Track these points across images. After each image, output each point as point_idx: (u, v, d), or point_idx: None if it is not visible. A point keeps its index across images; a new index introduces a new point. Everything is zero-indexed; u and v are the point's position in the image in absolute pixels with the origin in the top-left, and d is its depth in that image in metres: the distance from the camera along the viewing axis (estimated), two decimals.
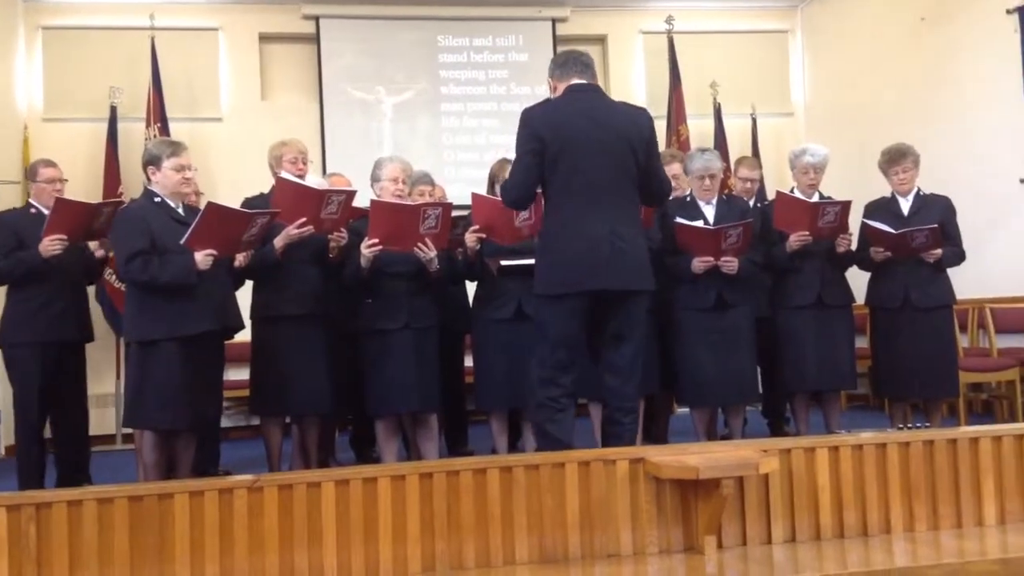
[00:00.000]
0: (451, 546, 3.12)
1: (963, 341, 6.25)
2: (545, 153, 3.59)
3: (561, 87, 3.74)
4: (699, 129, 7.76)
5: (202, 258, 3.90)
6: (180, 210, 4.14)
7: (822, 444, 3.42)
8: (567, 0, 7.93)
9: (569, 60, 3.75)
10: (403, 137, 7.72)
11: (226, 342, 4.50)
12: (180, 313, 3.96)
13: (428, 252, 4.27)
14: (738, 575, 3.02)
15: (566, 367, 3.61)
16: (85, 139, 7.05)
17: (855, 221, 4.93)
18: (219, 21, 7.52)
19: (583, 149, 3.57)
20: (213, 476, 4.63)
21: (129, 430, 5.34)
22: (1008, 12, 6.48)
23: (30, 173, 4.86)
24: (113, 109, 7.03)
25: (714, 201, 4.78)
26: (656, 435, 5.13)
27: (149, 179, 4.16)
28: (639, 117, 3.74)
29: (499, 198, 4.39)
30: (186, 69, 7.37)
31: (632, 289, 3.61)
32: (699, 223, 4.62)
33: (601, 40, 8.15)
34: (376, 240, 4.20)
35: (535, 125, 3.62)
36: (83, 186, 6.45)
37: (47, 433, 4.74)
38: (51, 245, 4.37)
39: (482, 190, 4.66)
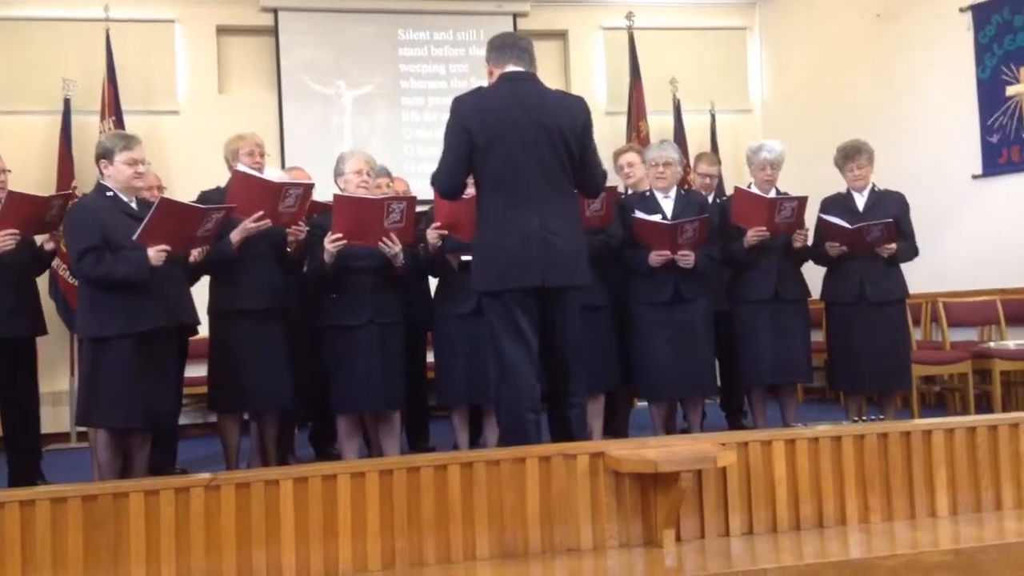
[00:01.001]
0: (411, 543, 3.11)
1: (916, 335, 6.36)
2: (474, 144, 3.52)
3: (496, 73, 3.65)
4: (659, 125, 7.79)
5: (155, 254, 3.84)
6: (133, 204, 4.07)
7: (779, 437, 3.46)
8: None
9: (505, 45, 3.65)
10: (363, 131, 7.66)
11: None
12: (133, 309, 3.90)
13: (393, 247, 4.25)
14: (696, 568, 3.03)
15: (529, 366, 3.55)
16: (38, 132, 6.90)
17: (811, 216, 4.99)
18: (175, 13, 7.40)
19: (513, 140, 3.49)
20: (170, 475, 4.58)
21: (83, 428, 5.25)
22: (961, 10, 6.62)
23: None
24: (67, 102, 6.90)
25: (672, 195, 4.82)
26: (616, 429, 5.15)
27: (102, 173, 4.09)
28: (574, 106, 3.64)
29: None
30: (141, 61, 7.25)
31: (564, 285, 3.56)
32: (657, 217, 4.65)
33: (562, 35, 8.16)
34: (340, 234, 4.16)
35: (464, 115, 3.55)
36: (36, 180, 6.31)
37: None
38: (4, 241, 4.28)
39: None
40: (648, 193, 4.86)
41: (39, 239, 4.62)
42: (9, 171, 4.77)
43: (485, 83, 3.77)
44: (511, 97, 3.57)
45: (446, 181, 3.66)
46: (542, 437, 3.60)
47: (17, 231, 4.30)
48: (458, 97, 3.65)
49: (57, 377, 6.51)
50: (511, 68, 3.63)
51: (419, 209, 4.43)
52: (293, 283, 4.56)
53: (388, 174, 4.98)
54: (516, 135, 3.50)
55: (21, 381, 4.62)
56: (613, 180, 4.77)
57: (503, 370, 3.58)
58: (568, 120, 3.58)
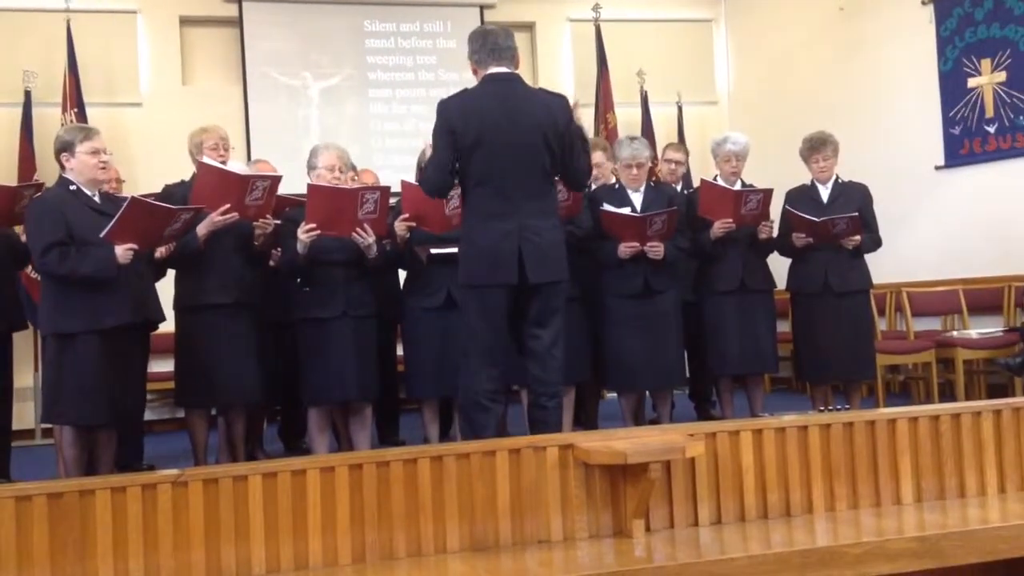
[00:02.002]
0: (381, 536, 3.11)
1: (881, 324, 6.43)
2: (459, 145, 3.63)
3: (480, 74, 3.74)
4: (626, 117, 7.82)
5: (123, 252, 3.80)
6: (97, 198, 4.01)
7: (746, 427, 3.49)
8: None
9: (487, 45, 3.71)
10: (330, 123, 7.61)
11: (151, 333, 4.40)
12: (98, 306, 3.84)
13: (367, 237, 4.23)
14: (666, 558, 3.06)
15: (491, 358, 3.65)
16: None
17: (776, 208, 5.04)
18: (137, 3, 7.30)
19: (496, 142, 3.60)
20: (137, 471, 4.53)
21: (48, 425, 5.18)
22: (923, 3, 6.69)
23: None
24: (27, 94, 6.78)
25: (642, 188, 4.84)
26: (585, 421, 5.17)
27: (63, 167, 4.03)
28: (555, 106, 3.74)
29: None
30: (103, 53, 7.14)
31: (544, 281, 3.65)
32: (626, 210, 4.67)
33: (529, 27, 8.15)
34: (313, 225, 4.14)
35: (449, 117, 3.66)
36: None
37: None
38: None
39: (411, 176, 4.63)
40: (617, 186, 4.87)
41: (19, 230, 4.53)
42: None
43: (454, 74, 3.82)
44: (494, 98, 3.66)
45: (434, 182, 3.78)
46: (504, 428, 3.65)
47: None
48: (443, 100, 3.73)
49: (21, 373, 6.37)
50: (494, 69, 3.71)
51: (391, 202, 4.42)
52: (260, 277, 4.53)
53: (353, 167, 4.95)
54: (499, 136, 3.60)
55: None
56: None
57: (466, 364, 3.70)
58: (550, 120, 3.68)
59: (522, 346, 3.78)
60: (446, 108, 3.68)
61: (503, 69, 3.71)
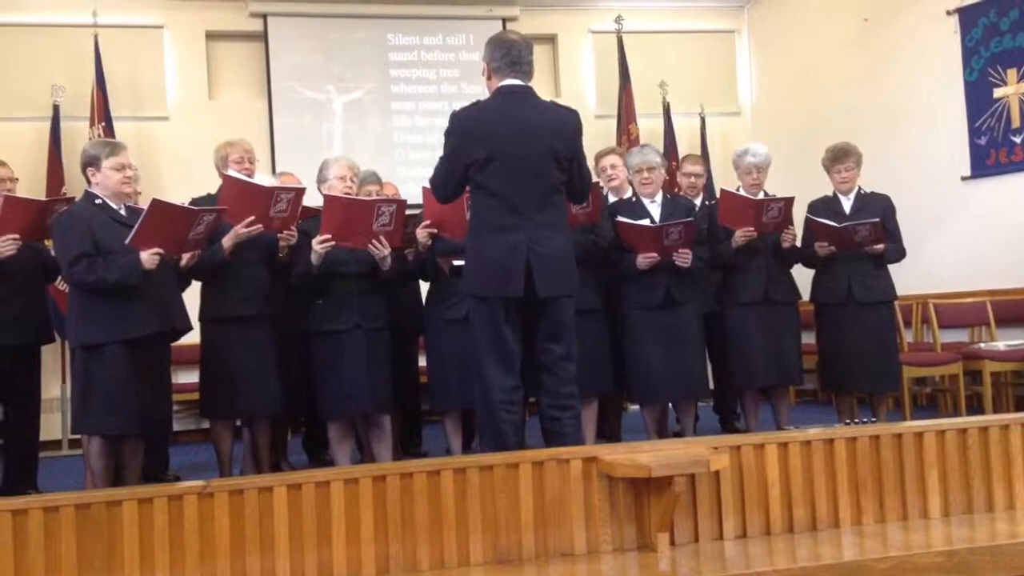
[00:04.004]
0: (405, 548, 3.10)
1: (907, 336, 6.38)
2: (470, 157, 3.62)
3: (494, 83, 3.73)
4: (648, 128, 7.82)
5: (148, 257, 3.84)
6: (122, 211, 4.06)
7: (771, 440, 3.46)
8: (517, 0, 7.94)
9: (509, 56, 3.69)
10: (354, 136, 7.67)
11: (174, 344, 4.43)
12: (125, 316, 3.89)
13: (382, 250, 4.25)
14: (690, 572, 3.04)
15: (504, 369, 3.62)
16: (27, 139, 6.89)
17: (799, 220, 5.01)
18: (164, 18, 7.40)
19: (508, 155, 3.59)
20: (162, 481, 4.56)
21: (76, 436, 5.23)
22: (948, 13, 6.65)
23: None
24: (56, 108, 6.89)
25: (659, 199, 4.82)
26: (608, 433, 5.16)
27: (89, 181, 4.08)
28: (567, 120, 3.74)
29: None
30: (130, 67, 7.25)
31: (553, 295, 3.63)
32: (645, 222, 4.66)
33: (551, 39, 8.18)
34: (329, 236, 4.16)
35: (461, 130, 3.65)
36: (25, 187, 6.26)
37: None
38: (5, 245, 4.27)
39: None
40: (634, 198, 4.86)
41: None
42: (17, 179, 4.77)
43: (476, 87, 3.83)
44: (508, 112, 3.65)
45: (443, 190, 3.80)
46: (523, 438, 3.68)
47: (17, 236, 4.29)
48: (455, 112, 3.73)
49: (49, 384, 6.47)
50: (510, 81, 3.70)
51: (409, 212, 4.43)
52: (284, 288, 4.56)
53: (378, 180, 4.97)
54: (511, 149, 3.59)
55: (24, 389, 4.59)
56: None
57: (478, 376, 3.68)
58: (561, 134, 3.68)
59: (535, 360, 3.75)
60: (458, 121, 3.68)
61: (518, 82, 3.71)
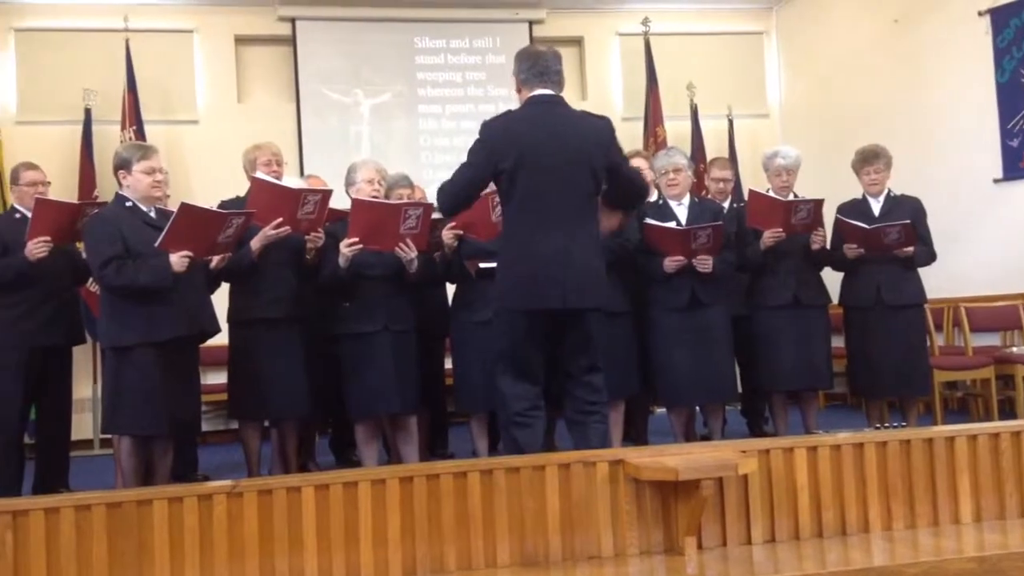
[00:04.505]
0: (432, 549, 3.11)
1: (939, 340, 6.31)
2: (500, 169, 3.58)
3: (524, 95, 3.71)
4: (676, 130, 7.79)
5: (177, 259, 3.88)
6: (152, 214, 4.10)
7: (800, 444, 3.44)
8: (544, 2, 7.94)
9: (537, 67, 3.67)
10: (380, 139, 7.70)
11: (202, 345, 4.47)
12: (154, 318, 3.93)
13: (409, 252, 4.27)
14: None
15: (527, 377, 3.61)
16: (59, 142, 6.97)
17: (828, 222, 4.98)
18: (194, 23, 7.47)
19: (539, 167, 3.54)
20: (192, 481, 4.60)
21: (107, 435, 5.29)
22: (980, 14, 6.58)
23: (12, 177, 4.83)
24: (88, 112, 6.97)
25: (686, 202, 4.80)
26: (635, 436, 5.14)
27: (120, 184, 4.13)
28: (599, 128, 3.69)
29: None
30: (161, 71, 7.32)
31: (583, 307, 3.60)
32: (671, 224, 4.64)
33: (578, 42, 8.17)
34: (356, 239, 4.18)
35: (492, 141, 3.60)
36: (58, 190, 6.33)
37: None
38: (36, 248, 4.33)
39: None
40: (661, 201, 4.85)
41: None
42: (49, 183, 4.84)
43: (502, 89, 3.82)
44: (538, 121, 3.62)
45: (456, 199, 3.70)
46: (545, 442, 3.66)
47: (49, 238, 4.35)
48: (486, 121, 3.69)
49: (81, 384, 6.54)
50: (539, 91, 3.67)
51: (435, 216, 4.45)
52: (311, 291, 4.58)
53: (410, 183, 5.00)
54: (543, 160, 3.55)
55: (56, 390, 4.67)
56: None
57: (497, 389, 3.67)
58: (593, 144, 3.63)
59: (561, 371, 3.73)
60: (489, 129, 3.64)
61: (548, 92, 3.67)
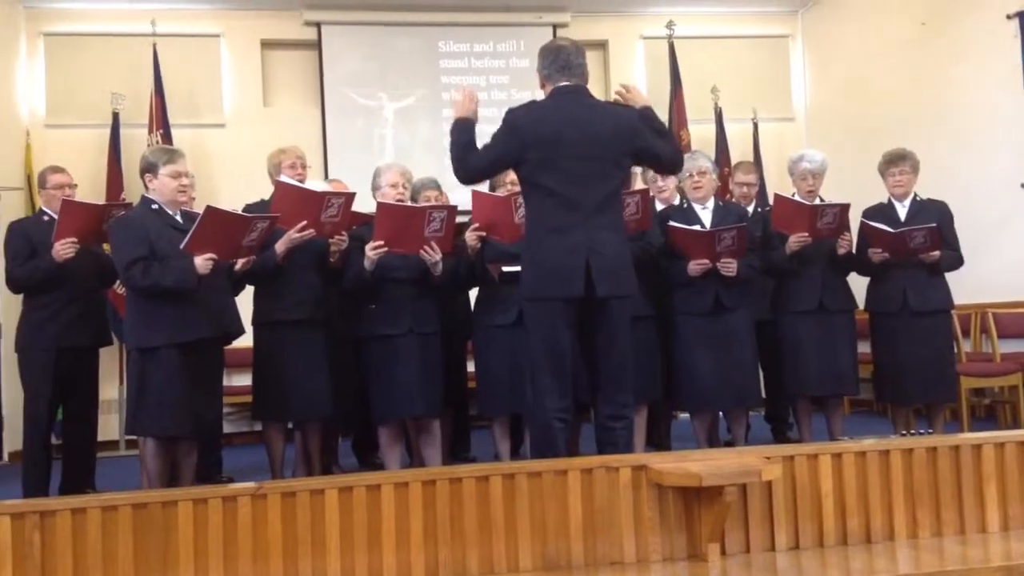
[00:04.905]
0: (454, 553, 3.12)
1: (966, 346, 6.25)
2: (522, 158, 3.60)
3: (548, 88, 3.72)
4: (700, 134, 7.76)
5: (202, 262, 3.90)
6: (178, 217, 4.14)
7: (825, 451, 3.42)
8: (568, 6, 7.94)
9: (558, 61, 3.69)
10: (404, 143, 7.73)
11: (227, 347, 4.50)
12: (179, 319, 3.96)
13: (434, 255, 4.28)
14: None
15: (558, 374, 3.58)
16: (87, 145, 7.06)
17: (855, 227, 4.94)
18: (221, 27, 7.53)
19: (564, 154, 3.55)
20: (216, 483, 4.64)
21: (132, 436, 5.34)
22: (1008, 17, 6.50)
23: (40, 180, 4.89)
24: (115, 115, 7.04)
25: (710, 206, 4.78)
26: (658, 441, 5.12)
27: (147, 187, 4.17)
28: (624, 117, 3.69)
29: (498, 194, 4.43)
30: (188, 75, 7.38)
31: (610, 295, 3.58)
32: (695, 227, 4.62)
33: (602, 46, 8.16)
34: (381, 242, 4.20)
35: (516, 128, 3.62)
36: (85, 192, 6.39)
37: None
38: (63, 249, 4.38)
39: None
40: (685, 204, 4.83)
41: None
42: (75, 185, 4.89)
43: (526, 92, 3.83)
44: (563, 111, 3.62)
45: (476, 173, 3.78)
46: (569, 446, 3.66)
47: (75, 239, 4.40)
48: (512, 109, 3.71)
49: (106, 385, 6.59)
50: (563, 83, 3.68)
51: (459, 221, 4.45)
52: (335, 293, 4.61)
53: (438, 186, 5.01)
54: (567, 149, 3.55)
55: (82, 390, 4.71)
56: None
57: (534, 382, 3.64)
58: (617, 132, 3.62)
59: (590, 365, 3.73)
60: (514, 119, 3.65)
61: (571, 82, 3.68)
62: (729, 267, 4.55)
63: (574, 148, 3.55)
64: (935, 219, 4.83)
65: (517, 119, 3.64)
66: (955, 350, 5.40)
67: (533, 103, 3.75)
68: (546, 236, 3.59)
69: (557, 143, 3.55)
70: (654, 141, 3.72)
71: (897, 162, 4.95)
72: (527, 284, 3.67)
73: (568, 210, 3.55)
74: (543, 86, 3.75)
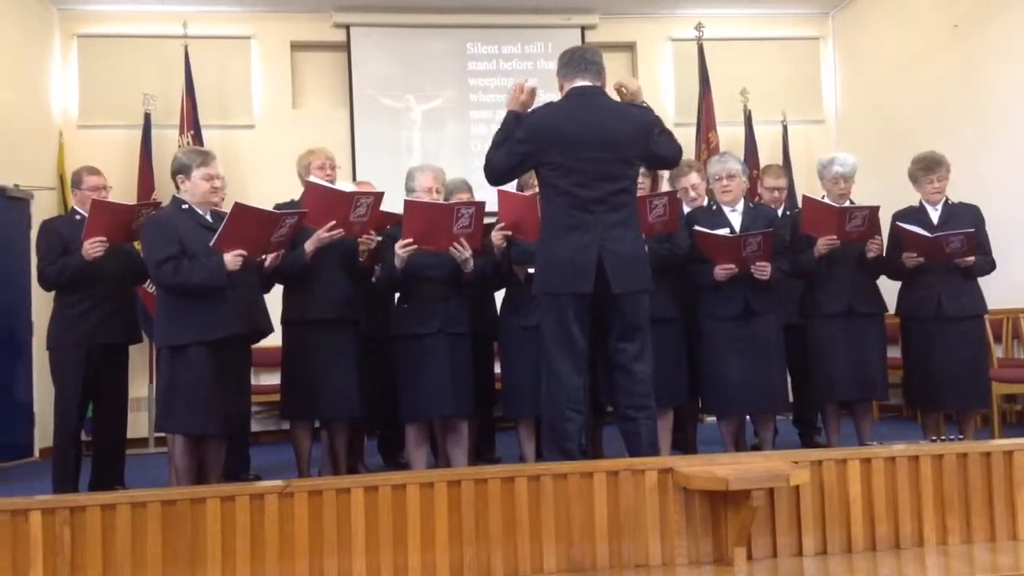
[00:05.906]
0: (479, 554, 3.12)
1: (997, 351, 6.17)
2: (538, 158, 3.67)
3: (566, 88, 3.77)
4: (729, 136, 7.73)
5: (231, 258, 3.94)
6: (208, 217, 4.17)
7: (854, 456, 3.39)
8: (596, 8, 7.93)
9: (574, 59, 3.77)
10: (432, 145, 7.75)
11: (255, 346, 4.53)
12: (209, 317, 3.99)
13: (463, 252, 4.29)
14: None
15: (573, 368, 3.62)
16: (119, 146, 7.14)
17: (885, 230, 4.89)
18: (251, 29, 7.59)
19: (578, 154, 3.60)
20: (243, 481, 4.67)
21: (161, 434, 5.39)
22: None
23: (75, 181, 4.94)
24: (147, 116, 7.12)
25: (740, 208, 4.74)
26: (684, 444, 5.10)
27: (178, 187, 4.21)
28: (637, 118, 3.74)
29: (524, 193, 4.44)
30: (219, 77, 7.46)
31: (626, 291, 3.62)
32: (724, 231, 4.59)
33: (630, 47, 8.15)
34: (411, 240, 4.22)
35: (531, 130, 3.68)
36: (117, 192, 6.45)
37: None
38: (92, 247, 4.43)
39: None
40: (714, 207, 4.80)
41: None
42: (110, 187, 4.95)
43: (553, 94, 3.89)
44: (577, 111, 3.68)
45: (494, 172, 3.82)
46: (592, 448, 3.62)
47: (104, 238, 4.44)
48: (528, 112, 3.76)
49: (136, 383, 6.67)
50: (579, 83, 3.74)
51: (487, 221, 4.46)
52: (363, 293, 4.62)
53: (469, 188, 5.02)
54: (581, 149, 3.61)
55: (112, 388, 4.76)
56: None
57: (549, 373, 3.68)
58: (630, 132, 3.68)
59: (608, 361, 3.75)
60: (530, 119, 3.71)
61: (587, 83, 3.73)
62: (763, 270, 4.51)
63: (588, 150, 3.61)
64: (968, 223, 4.77)
65: (531, 118, 3.72)
66: (987, 356, 5.33)
67: (549, 105, 3.81)
68: (559, 234, 3.65)
69: (572, 145, 3.61)
70: (660, 140, 3.78)
71: (935, 168, 4.88)
72: (539, 280, 3.74)
73: (581, 209, 3.62)
74: (561, 88, 3.81)
